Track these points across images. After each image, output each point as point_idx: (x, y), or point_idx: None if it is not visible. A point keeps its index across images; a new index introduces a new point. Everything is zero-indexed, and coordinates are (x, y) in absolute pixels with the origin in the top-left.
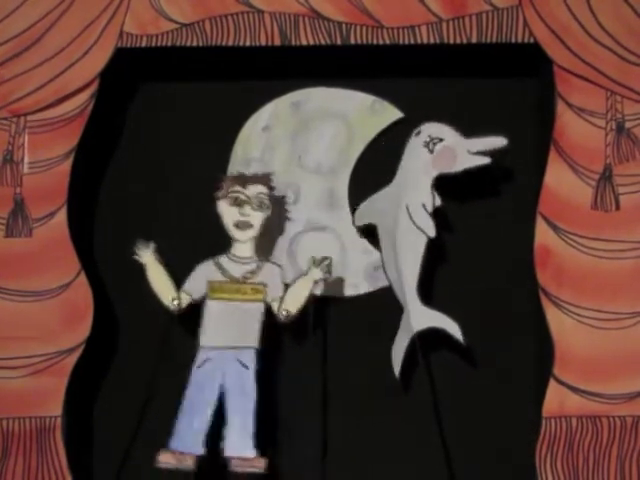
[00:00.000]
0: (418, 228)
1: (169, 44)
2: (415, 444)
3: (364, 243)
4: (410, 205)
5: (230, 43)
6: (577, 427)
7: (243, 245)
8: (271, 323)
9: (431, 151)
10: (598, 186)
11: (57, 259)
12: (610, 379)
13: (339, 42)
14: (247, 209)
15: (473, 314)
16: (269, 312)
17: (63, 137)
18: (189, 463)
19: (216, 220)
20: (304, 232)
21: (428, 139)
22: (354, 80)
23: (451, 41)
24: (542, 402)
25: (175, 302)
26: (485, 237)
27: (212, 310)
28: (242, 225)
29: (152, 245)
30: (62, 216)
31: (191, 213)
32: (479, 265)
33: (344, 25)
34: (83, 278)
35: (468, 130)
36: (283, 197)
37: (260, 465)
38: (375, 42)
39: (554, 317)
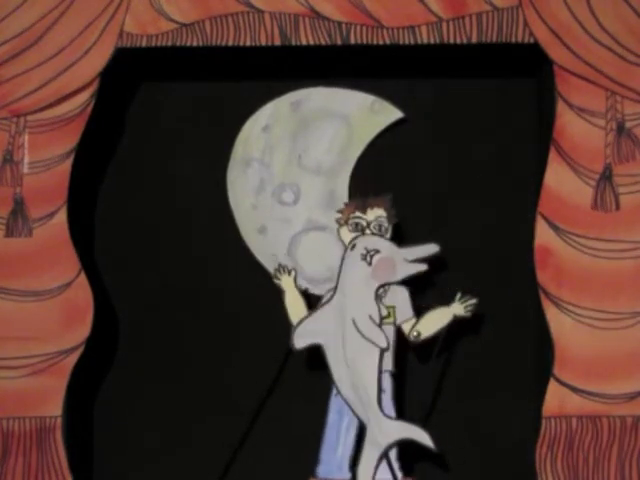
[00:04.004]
0: (368, 340)
1: (169, 44)
2: None
3: None
4: (356, 318)
5: (230, 43)
6: (577, 427)
7: None
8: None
9: (369, 263)
10: (598, 186)
11: (57, 259)
12: (610, 379)
13: (339, 42)
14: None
15: (472, 314)
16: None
17: (63, 137)
18: None
19: (216, 220)
20: (304, 232)
21: (365, 252)
22: (354, 80)
23: (451, 41)
24: (542, 402)
25: None
26: (485, 237)
27: None
28: None
29: (294, 271)
30: (62, 216)
31: (191, 213)
32: (479, 265)
33: (344, 25)
34: (83, 278)
35: (468, 130)
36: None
37: None
38: (375, 42)
39: (554, 317)
